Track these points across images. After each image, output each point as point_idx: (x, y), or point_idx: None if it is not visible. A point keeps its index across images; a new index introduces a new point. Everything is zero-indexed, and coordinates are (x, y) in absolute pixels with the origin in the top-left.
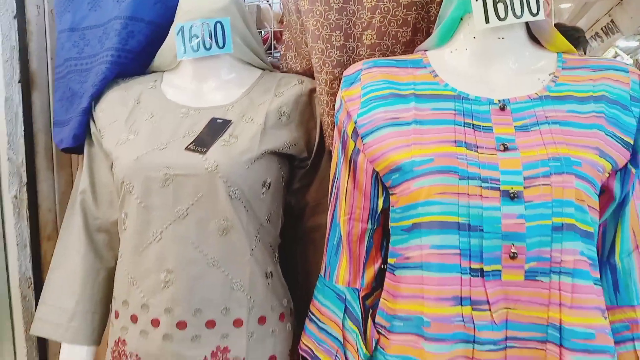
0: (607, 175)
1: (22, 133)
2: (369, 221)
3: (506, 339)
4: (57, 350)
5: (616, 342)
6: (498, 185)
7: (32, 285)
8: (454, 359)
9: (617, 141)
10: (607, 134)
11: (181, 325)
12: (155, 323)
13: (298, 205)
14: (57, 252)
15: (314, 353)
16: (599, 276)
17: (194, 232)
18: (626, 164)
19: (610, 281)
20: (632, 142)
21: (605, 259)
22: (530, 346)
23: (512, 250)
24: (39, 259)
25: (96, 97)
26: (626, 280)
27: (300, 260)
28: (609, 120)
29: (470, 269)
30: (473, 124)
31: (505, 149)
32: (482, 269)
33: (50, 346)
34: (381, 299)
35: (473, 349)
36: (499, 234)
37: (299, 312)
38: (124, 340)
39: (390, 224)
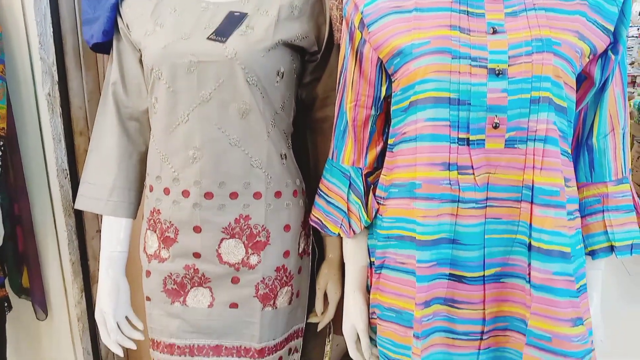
0: (587, 59)
1: (52, 34)
2: (373, 107)
3: (487, 199)
4: (92, 232)
5: (588, 215)
6: (485, 64)
7: (68, 176)
8: (441, 215)
9: (597, 27)
10: (588, 20)
11: (208, 195)
12: (186, 194)
13: (308, 97)
14: (93, 137)
15: (322, 223)
16: (566, 148)
17: (216, 114)
18: (606, 50)
19: (587, 160)
20: (612, 29)
21: (584, 140)
22: (507, 205)
23: (495, 121)
24: (73, 152)
25: None
26: (601, 159)
27: (310, 148)
28: (592, 8)
29: (458, 138)
30: (467, 11)
31: (495, 32)
32: (468, 139)
33: (87, 229)
34: (380, 175)
35: (457, 207)
36: (485, 107)
37: (309, 194)
38: (158, 210)
39: (392, 108)
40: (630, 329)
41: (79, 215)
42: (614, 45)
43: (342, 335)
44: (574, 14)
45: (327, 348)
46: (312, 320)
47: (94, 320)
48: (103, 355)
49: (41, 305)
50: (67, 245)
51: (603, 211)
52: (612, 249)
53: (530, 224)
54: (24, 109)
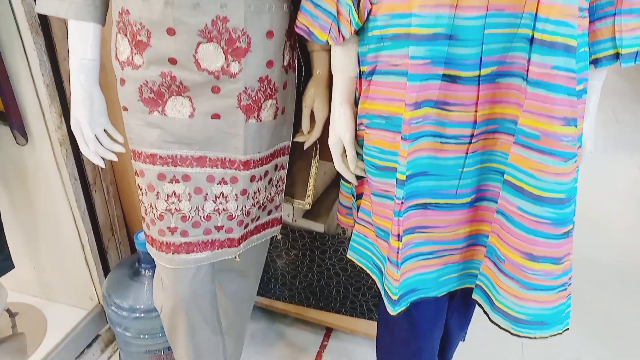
0: None
1: None
2: None
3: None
4: (64, 53)
5: (597, 19)
6: None
7: None
8: (439, 5)
9: None
10: None
11: None
12: None
13: None
14: None
15: (309, 30)
16: None
17: None
18: None
19: None
20: None
21: None
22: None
23: None
24: None
25: None
26: None
27: None
28: None
29: None
30: None
31: None
32: None
33: (59, 49)
34: None
35: None
36: None
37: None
38: (127, 10)
39: None
40: (616, 176)
41: (47, 33)
42: None
43: (329, 161)
44: None
45: (313, 170)
46: (299, 139)
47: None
48: (90, 180)
49: (20, 130)
50: (39, 67)
51: (615, 15)
52: (617, 56)
53: (536, 14)
54: None
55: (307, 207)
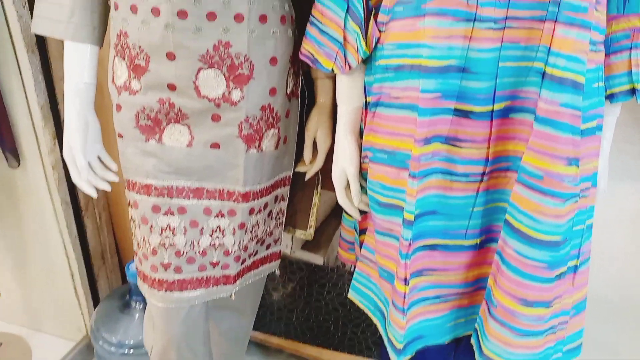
0: None
1: None
2: None
3: (506, 18)
4: (60, 72)
5: (613, 52)
6: None
7: (27, 4)
8: (452, 36)
9: None
10: None
11: (182, 14)
12: (156, 12)
13: None
14: None
15: (314, 57)
16: None
17: None
18: None
19: None
20: None
21: None
22: (528, 26)
23: None
24: None
25: None
26: None
27: None
28: None
29: None
30: None
31: None
32: None
33: (54, 68)
34: None
35: (473, 27)
36: None
37: (300, 25)
38: (125, 33)
39: None
40: (618, 205)
41: (43, 52)
42: None
43: (331, 190)
44: None
45: (315, 200)
46: (300, 169)
47: None
48: (82, 205)
49: (12, 152)
50: (34, 87)
51: (631, 48)
52: (633, 92)
53: (550, 47)
54: None
55: (309, 237)
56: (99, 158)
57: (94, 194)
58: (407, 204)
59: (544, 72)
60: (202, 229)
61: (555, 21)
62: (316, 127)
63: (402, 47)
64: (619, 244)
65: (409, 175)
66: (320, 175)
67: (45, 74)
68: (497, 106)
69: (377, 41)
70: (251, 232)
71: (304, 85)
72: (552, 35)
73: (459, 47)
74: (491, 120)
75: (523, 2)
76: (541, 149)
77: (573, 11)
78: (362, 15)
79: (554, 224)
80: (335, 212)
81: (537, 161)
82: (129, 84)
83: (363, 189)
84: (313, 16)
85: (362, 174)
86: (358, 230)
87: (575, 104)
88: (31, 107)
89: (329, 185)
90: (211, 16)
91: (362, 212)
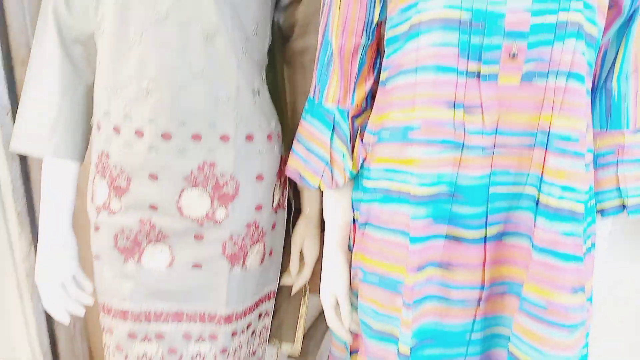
0: None
1: None
2: (364, 35)
3: (495, 145)
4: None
5: (600, 167)
6: None
7: (10, 113)
8: (441, 164)
9: None
10: None
11: (166, 136)
12: (140, 134)
13: (287, 24)
14: (31, 64)
15: (300, 173)
16: (589, 89)
17: (175, 37)
18: None
19: (603, 105)
20: None
21: (602, 81)
22: (517, 153)
23: (513, 51)
24: (14, 85)
25: None
26: (619, 104)
27: (287, 85)
28: None
29: (467, 70)
30: None
31: None
32: (479, 71)
33: (34, 174)
34: (370, 117)
35: (461, 155)
36: (502, 31)
37: (286, 139)
38: (107, 154)
39: (386, 36)
40: (617, 285)
41: (24, 158)
42: None
43: (319, 293)
44: None
45: (302, 310)
46: (286, 282)
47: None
48: None
49: None
50: (12, 193)
51: (617, 164)
52: (623, 207)
53: (541, 176)
54: None
55: (296, 354)
56: (74, 277)
57: (66, 320)
58: (402, 336)
59: (538, 200)
60: (181, 356)
61: (546, 150)
62: (303, 238)
63: (389, 172)
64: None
65: (403, 304)
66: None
67: (24, 179)
68: (490, 231)
69: (364, 160)
70: (233, 355)
71: (290, 196)
72: (544, 164)
73: (448, 174)
74: (485, 244)
75: (511, 130)
76: (543, 279)
77: (564, 141)
78: (349, 135)
79: (563, 357)
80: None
81: (540, 290)
82: (109, 203)
83: (353, 305)
84: (299, 134)
85: (353, 292)
86: (349, 350)
87: (576, 232)
88: (7, 214)
89: (316, 287)
90: (197, 137)
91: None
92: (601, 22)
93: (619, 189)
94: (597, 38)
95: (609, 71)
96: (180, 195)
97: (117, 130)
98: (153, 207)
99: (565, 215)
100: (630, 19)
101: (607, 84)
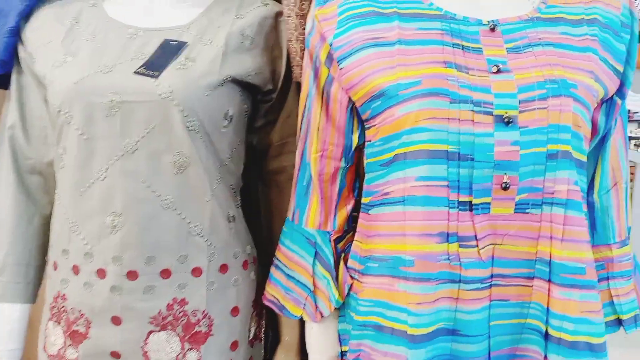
0: (596, 104)
1: None
2: (343, 159)
3: (492, 276)
4: None
5: None
6: (491, 110)
7: None
8: (438, 300)
9: (609, 67)
10: (600, 59)
11: (132, 275)
12: (101, 274)
13: (262, 144)
14: None
15: (280, 303)
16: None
17: (144, 168)
18: (612, 95)
19: (588, 221)
20: (621, 70)
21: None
22: (516, 283)
23: (505, 181)
24: None
25: (26, 15)
26: (603, 218)
27: (263, 206)
28: (602, 45)
29: (459, 202)
30: (462, 45)
31: (498, 70)
32: (471, 202)
33: None
34: (354, 241)
35: (459, 289)
36: (491, 163)
37: (260, 261)
38: (64, 295)
39: (366, 161)
40: None
41: None
42: (619, 88)
43: None
44: (586, 52)
45: None
46: None
47: None
48: None
49: None
50: None
51: (608, 278)
52: (619, 322)
53: (548, 308)
54: None
55: None
56: None
57: None
58: None
59: (547, 333)
60: None
61: (550, 281)
62: None
63: (380, 306)
64: None
65: None
66: None
67: None
68: None
69: (350, 288)
70: None
71: (267, 326)
72: (549, 296)
73: (446, 309)
74: None
75: (507, 260)
76: None
77: (569, 273)
78: (332, 260)
79: None
80: None
81: None
82: (64, 352)
83: None
84: (278, 259)
85: None
86: None
87: None
88: None
89: None
90: (165, 273)
91: None
92: (587, 147)
93: (612, 303)
94: (586, 162)
95: (589, 187)
96: (146, 341)
97: (75, 270)
98: (115, 355)
99: (582, 349)
100: (604, 137)
101: (590, 198)
